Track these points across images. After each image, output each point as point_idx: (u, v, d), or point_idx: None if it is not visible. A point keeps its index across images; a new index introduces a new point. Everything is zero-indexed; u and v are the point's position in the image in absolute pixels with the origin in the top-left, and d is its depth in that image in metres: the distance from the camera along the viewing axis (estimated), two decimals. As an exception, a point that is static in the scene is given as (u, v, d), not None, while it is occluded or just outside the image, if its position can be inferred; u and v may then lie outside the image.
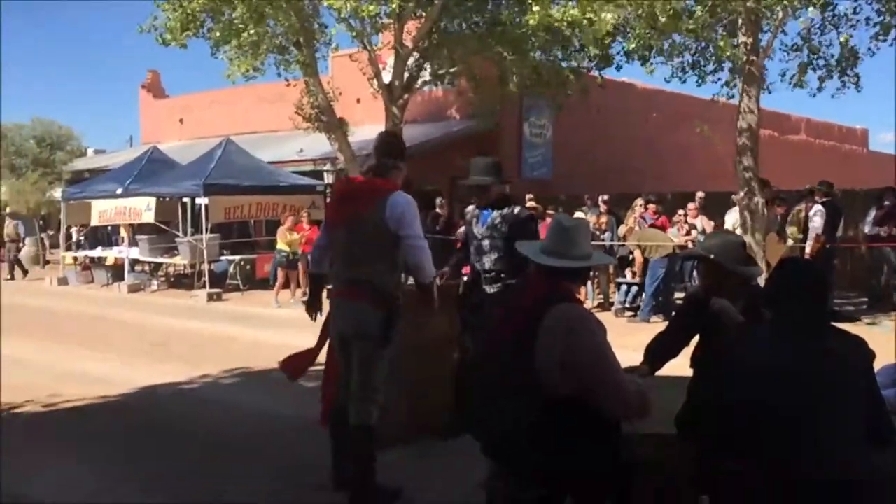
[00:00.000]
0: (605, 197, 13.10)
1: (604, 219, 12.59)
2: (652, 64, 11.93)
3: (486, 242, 5.31)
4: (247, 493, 4.61)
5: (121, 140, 37.41)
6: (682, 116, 21.05)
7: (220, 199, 15.38)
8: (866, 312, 11.02)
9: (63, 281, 18.17)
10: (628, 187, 16.74)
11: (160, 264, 17.44)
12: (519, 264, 5.14)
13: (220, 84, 16.54)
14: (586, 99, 15.91)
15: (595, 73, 15.61)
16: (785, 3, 10.06)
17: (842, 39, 11.40)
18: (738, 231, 10.31)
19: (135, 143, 28.34)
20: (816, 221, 11.31)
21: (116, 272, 17.41)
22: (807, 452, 2.43)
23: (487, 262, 5.31)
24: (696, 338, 3.92)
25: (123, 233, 17.80)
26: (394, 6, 13.01)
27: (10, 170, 22.17)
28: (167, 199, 16.77)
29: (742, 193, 10.96)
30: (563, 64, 15.10)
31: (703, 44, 11.98)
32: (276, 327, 10.89)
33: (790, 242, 11.58)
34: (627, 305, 11.85)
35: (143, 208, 16.29)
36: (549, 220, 12.57)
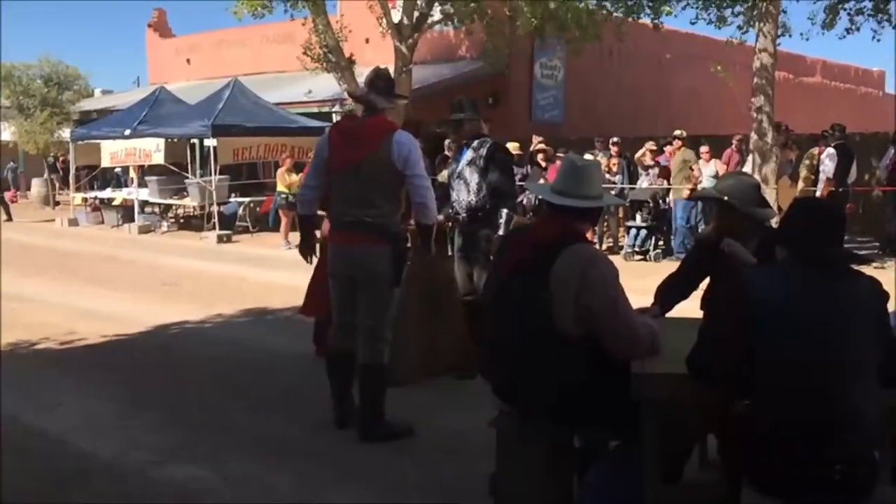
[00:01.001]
0: (616, 139, 13.00)
1: (614, 161, 12.52)
2: (669, 4, 11.69)
3: (462, 179, 5.39)
4: (255, 430, 4.70)
5: (128, 80, 37.11)
6: (696, 58, 20.75)
7: (228, 140, 15.31)
8: (878, 257, 10.99)
9: (73, 222, 18.25)
10: (639, 130, 16.59)
11: (170, 206, 17.47)
12: (496, 199, 5.24)
13: (228, 23, 16.37)
14: (599, 40, 15.64)
15: (611, 13, 15.28)
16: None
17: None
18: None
19: (142, 83, 28.14)
20: (827, 165, 11.21)
21: (126, 213, 17.47)
22: (817, 392, 2.44)
23: (465, 198, 5.39)
24: (707, 280, 3.93)
25: (133, 174, 17.80)
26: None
27: (19, 110, 22.01)
28: (175, 140, 16.72)
29: (755, 136, 10.86)
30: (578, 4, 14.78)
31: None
32: (285, 268, 10.94)
33: (801, 186, 11.50)
34: (637, 249, 11.86)
35: (153, 149, 16.25)
36: (558, 162, 12.53)
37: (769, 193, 10.35)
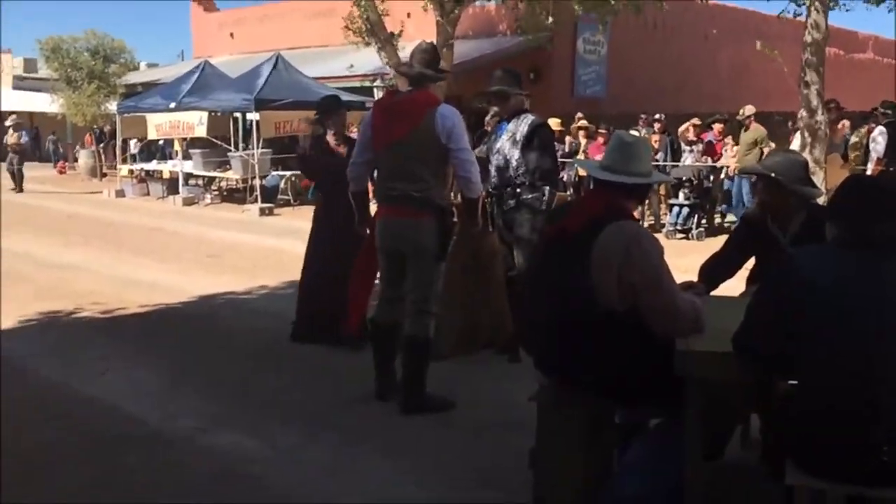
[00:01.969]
0: (660, 116, 12.81)
1: (656, 138, 12.36)
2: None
3: (502, 154, 5.28)
4: (298, 401, 4.77)
5: (172, 54, 37.48)
6: (742, 33, 20.30)
7: (270, 114, 15.41)
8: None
9: (120, 193, 18.57)
10: (683, 107, 16.33)
11: (213, 178, 17.69)
12: (538, 176, 5.17)
13: (271, -3, 16.38)
14: (643, 14, 15.39)
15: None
16: None
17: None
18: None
19: (186, 57, 28.41)
20: (879, 143, 10.95)
21: (171, 185, 17.74)
22: (863, 374, 2.41)
23: (504, 175, 5.28)
24: (753, 259, 3.89)
25: (177, 146, 18.04)
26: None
27: (67, 82, 22.35)
28: (219, 113, 16.87)
29: (804, 113, 10.62)
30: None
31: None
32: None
33: (851, 165, 11.25)
34: (679, 227, 11.72)
35: (196, 122, 16.45)
36: (601, 139, 12.41)
37: (818, 172, 10.15)
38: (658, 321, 2.95)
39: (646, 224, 12.21)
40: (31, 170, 26.89)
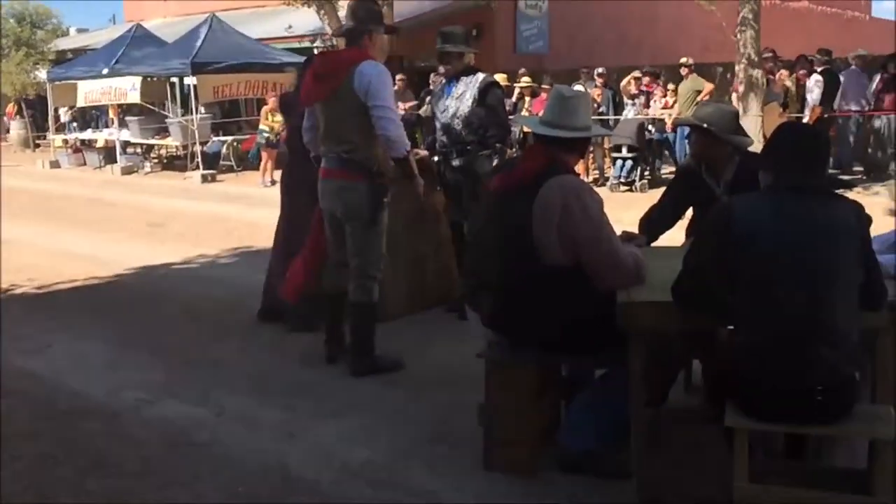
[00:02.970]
0: (601, 70, 12.87)
1: (598, 92, 12.41)
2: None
3: (453, 113, 5.24)
4: (245, 367, 4.74)
5: (103, 18, 36.23)
6: (682, -15, 20.38)
7: (208, 77, 15.04)
8: (861, 182, 11.04)
9: (55, 164, 18.02)
10: (626, 60, 16.39)
11: (152, 146, 17.26)
12: (491, 133, 5.15)
13: (204, -44, 15.91)
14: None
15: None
16: None
17: None
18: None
19: (118, 20, 27.48)
20: (814, 91, 11.16)
21: (108, 154, 17.26)
22: (798, 314, 2.47)
23: (454, 133, 5.24)
24: (691, 209, 3.95)
25: (112, 114, 17.53)
26: None
27: (-8, 50, 21.55)
28: (154, 78, 16.41)
29: (741, 64, 10.77)
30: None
31: None
32: (270, 206, 10.89)
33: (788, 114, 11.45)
34: (623, 180, 11.84)
35: (129, 88, 15.97)
36: (544, 95, 12.40)
37: (755, 120, 10.32)
38: (600, 274, 2.99)
39: (590, 178, 12.32)
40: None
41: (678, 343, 3.20)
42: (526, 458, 3.21)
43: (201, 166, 14.98)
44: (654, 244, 3.82)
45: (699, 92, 11.85)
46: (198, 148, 15.14)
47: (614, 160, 12.11)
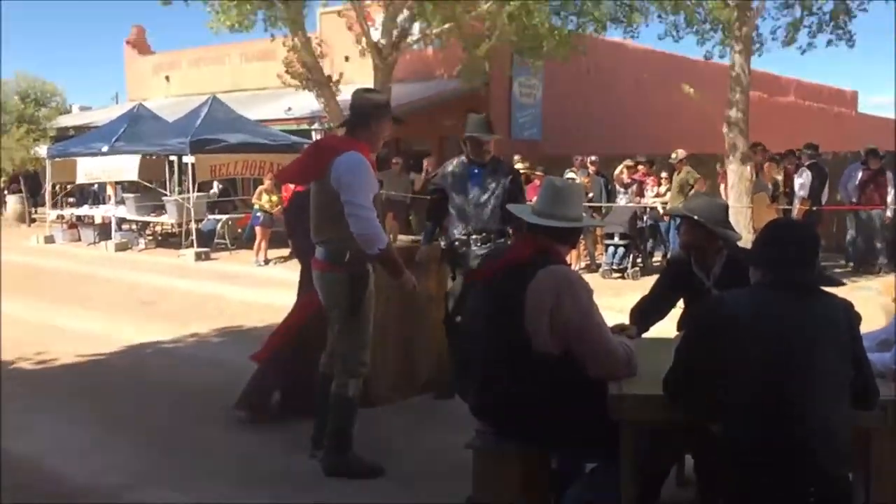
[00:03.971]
0: (593, 158, 13.09)
1: (587, 180, 12.59)
2: (640, 23, 11.95)
3: (481, 200, 5.25)
4: (230, 452, 4.65)
5: (106, 97, 36.98)
6: (674, 77, 20.92)
7: (206, 157, 15.24)
8: (849, 276, 11.10)
9: (49, 239, 18.04)
10: (618, 149, 16.70)
11: (147, 223, 17.35)
12: (516, 222, 5.14)
13: (208, 41, 16.36)
14: (577, 59, 15.77)
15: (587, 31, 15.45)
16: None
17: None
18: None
19: (120, 99, 27.98)
20: (803, 184, 11.35)
21: (103, 231, 17.32)
22: (787, 413, 2.45)
23: (481, 222, 5.25)
24: (682, 301, 3.96)
25: (110, 191, 17.67)
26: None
27: (-6, 126, 21.86)
28: (153, 156, 16.62)
29: (731, 156, 10.99)
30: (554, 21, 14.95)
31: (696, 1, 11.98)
32: (263, 286, 10.90)
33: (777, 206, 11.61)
34: (615, 266, 11.90)
35: (128, 166, 16.15)
36: (537, 181, 12.58)
37: (744, 213, 10.46)
38: (591, 365, 2.97)
39: (582, 264, 12.38)
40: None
41: (670, 437, 3.16)
42: (514, 553, 3.12)
43: (195, 244, 15.03)
44: (645, 335, 3.81)
45: (692, 185, 12.02)
46: (193, 226, 15.22)
47: (606, 247, 12.20)
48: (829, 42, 12.20)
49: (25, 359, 6.90)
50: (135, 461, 4.51)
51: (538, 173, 12.89)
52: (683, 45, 29.50)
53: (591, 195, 12.46)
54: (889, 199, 11.32)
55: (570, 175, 12.82)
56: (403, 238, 7.39)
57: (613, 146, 17.66)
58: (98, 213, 18.28)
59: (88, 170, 17.09)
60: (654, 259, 12.72)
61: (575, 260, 12.31)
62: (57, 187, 19.55)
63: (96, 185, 19.56)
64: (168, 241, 16.99)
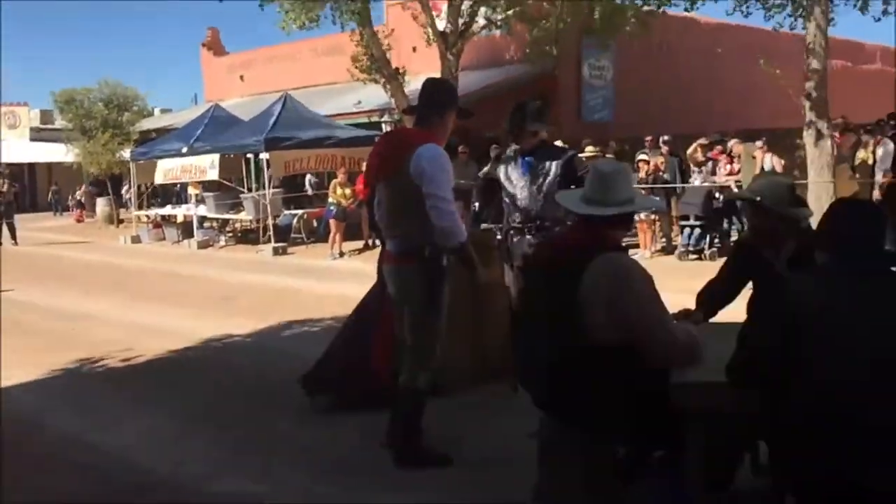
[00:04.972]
0: (666, 138, 12.83)
1: (661, 160, 12.35)
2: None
3: (534, 189, 5.13)
4: (307, 442, 4.77)
5: (186, 99, 38.10)
6: (749, 51, 20.29)
7: (280, 153, 15.58)
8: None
9: (136, 239, 18.77)
10: (692, 127, 16.31)
11: (227, 220, 17.86)
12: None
13: (279, 39, 16.67)
14: (648, 37, 15.46)
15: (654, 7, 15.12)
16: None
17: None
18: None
19: (199, 100, 28.81)
20: (884, 156, 10.89)
21: (186, 229, 17.92)
22: (861, 399, 2.37)
23: (534, 210, 5.13)
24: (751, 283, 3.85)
25: (192, 190, 18.26)
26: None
27: (82, 132, 22.78)
28: (230, 155, 17.09)
29: (808, 129, 10.61)
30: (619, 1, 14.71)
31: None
32: (339, 279, 11.09)
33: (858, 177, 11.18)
34: (692, 248, 11.66)
35: (208, 166, 16.66)
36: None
37: (826, 187, 10.10)
38: (653, 353, 2.92)
39: (657, 246, 12.16)
40: (45, 220, 27.34)
41: (738, 425, 3.09)
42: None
43: (273, 239, 15.39)
44: (713, 320, 3.73)
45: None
46: (270, 221, 15.59)
47: (682, 228, 11.96)
48: None
49: (113, 356, 7.19)
50: (215, 452, 4.67)
51: (609, 156, 12.72)
52: (757, 17, 28.36)
53: (665, 176, 12.23)
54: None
55: (642, 157, 12.62)
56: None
57: (688, 125, 17.25)
58: (180, 212, 18.91)
59: (167, 170, 17.70)
60: (732, 239, 12.39)
61: (650, 242, 12.12)
62: (141, 188, 20.30)
63: (178, 185, 20.20)
64: (247, 237, 17.44)
